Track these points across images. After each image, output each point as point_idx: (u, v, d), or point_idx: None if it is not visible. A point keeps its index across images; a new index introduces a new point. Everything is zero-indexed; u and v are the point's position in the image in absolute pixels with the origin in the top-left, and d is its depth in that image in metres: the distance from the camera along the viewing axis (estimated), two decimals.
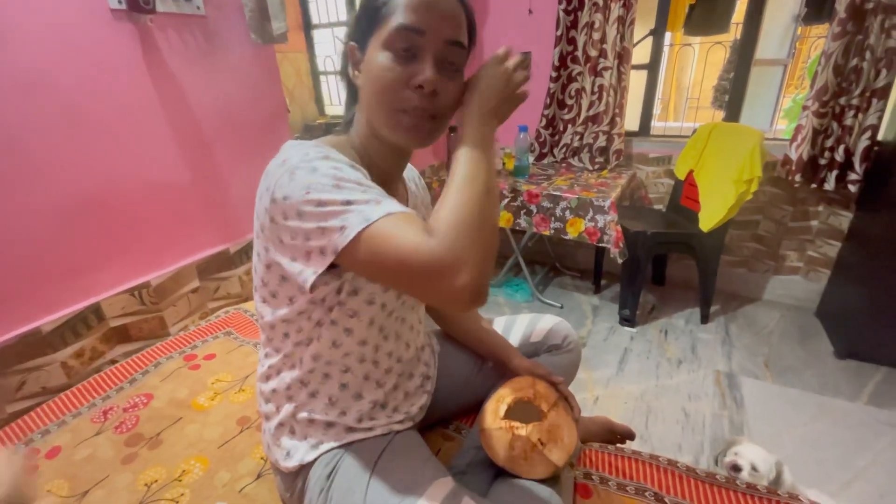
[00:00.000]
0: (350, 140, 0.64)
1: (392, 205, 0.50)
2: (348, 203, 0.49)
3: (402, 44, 0.54)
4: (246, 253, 1.37)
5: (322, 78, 3.95)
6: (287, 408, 0.70)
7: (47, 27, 0.89)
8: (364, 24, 0.57)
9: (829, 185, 1.80)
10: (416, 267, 0.47)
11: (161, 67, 1.08)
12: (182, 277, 1.20)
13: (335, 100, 3.98)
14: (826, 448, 1.39)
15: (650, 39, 2.14)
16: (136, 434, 0.89)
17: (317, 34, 3.85)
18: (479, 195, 0.51)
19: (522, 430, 0.69)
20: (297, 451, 0.69)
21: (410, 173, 0.80)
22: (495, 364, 0.88)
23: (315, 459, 0.68)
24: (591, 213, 1.80)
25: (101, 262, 1.04)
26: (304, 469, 0.69)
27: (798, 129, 1.80)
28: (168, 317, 1.19)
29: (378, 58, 0.55)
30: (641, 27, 2.07)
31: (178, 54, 1.11)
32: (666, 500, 0.75)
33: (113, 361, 1.09)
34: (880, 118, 1.67)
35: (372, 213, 0.49)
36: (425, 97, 0.55)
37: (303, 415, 0.69)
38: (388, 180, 0.67)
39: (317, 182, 0.50)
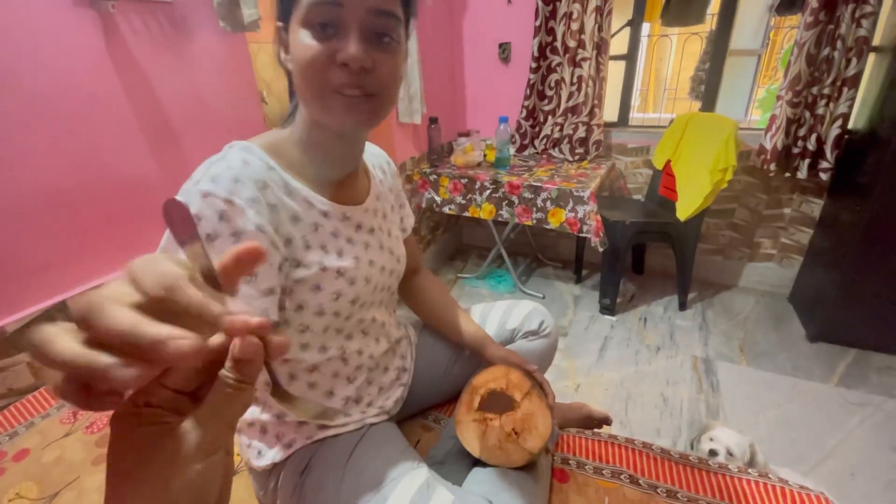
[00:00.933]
0: (293, 133, 0.60)
1: None
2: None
3: (319, 18, 0.49)
4: None
5: None
6: (255, 408, 0.69)
7: (3, 15, 0.85)
8: (284, 1, 0.53)
9: (802, 173, 1.84)
10: None
11: (125, 56, 1.04)
12: None
13: None
14: (799, 429, 1.44)
15: (628, 30, 2.15)
16: (106, 434, 0.87)
17: None
18: None
19: (496, 420, 0.69)
20: (268, 451, 0.68)
21: (376, 159, 0.78)
22: (471, 353, 0.87)
23: (287, 458, 0.68)
24: (571, 204, 1.81)
25: (67, 259, 1.01)
26: (277, 468, 0.68)
27: (772, 118, 1.83)
28: None
29: (299, 37, 0.51)
30: (619, 18, 2.08)
31: (143, 42, 1.07)
32: (641, 481, 0.76)
33: None
34: (851, 107, 1.71)
35: None
36: (355, 74, 0.50)
37: (272, 414, 0.68)
38: (342, 169, 0.64)
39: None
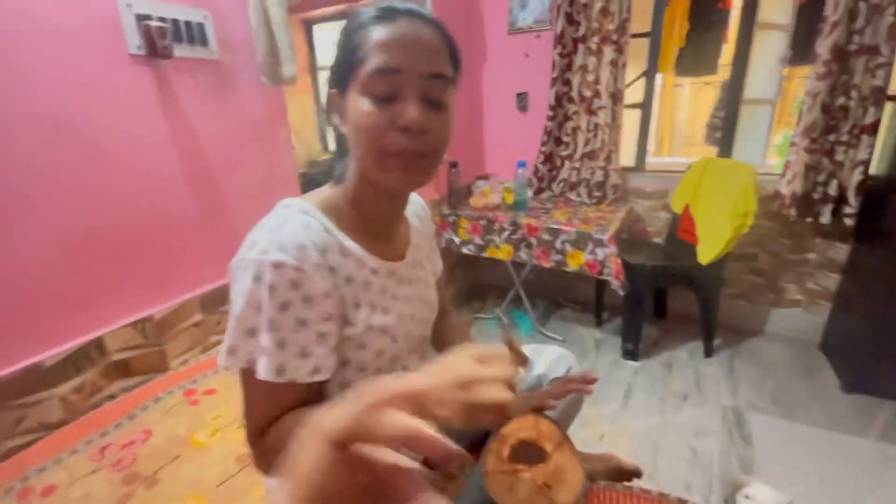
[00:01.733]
0: (345, 191, 0.62)
1: (277, 360, 0.51)
2: (252, 333, 0.52)
3: (380, 87, 0.51)
4: None
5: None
6: None
7: (69, 71, 0.94)
8: (342, 70, 0.55)
9: (825, 218, 1.83)
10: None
11: (174, 107, 1.12)
12: (185, 311, 1.21)
13: None
14: (838, 486, 1.36)
15: (643, 80, 2.23)
16: (132, 473, 0.87)
17: (322, 75, 4.01)
18: None
19: (527, 473, 0.67)
20: None
21: (412, 206, 0.79)
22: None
23: None
24: (590, 246, 1.82)
25: (105, 296, 1.05)
26: None
27: (787, 165, 1.84)
28: (169, 351, 1.19)
29: (359, 104, 0.52)
30: (634, 68, 2.16)
31: (192, 95, 1.16)
32: None
33: (112, 397, 1.08)
34: (871, 153, 1.72)
35: (259, 360, 0.52)
36: (413, 138, 0.52)
37: None
38: (386, 224, 0.66)
39: (248, 295, 0.51)
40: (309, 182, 1.28)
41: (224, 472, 0.88)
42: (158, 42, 1.05)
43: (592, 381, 0.80)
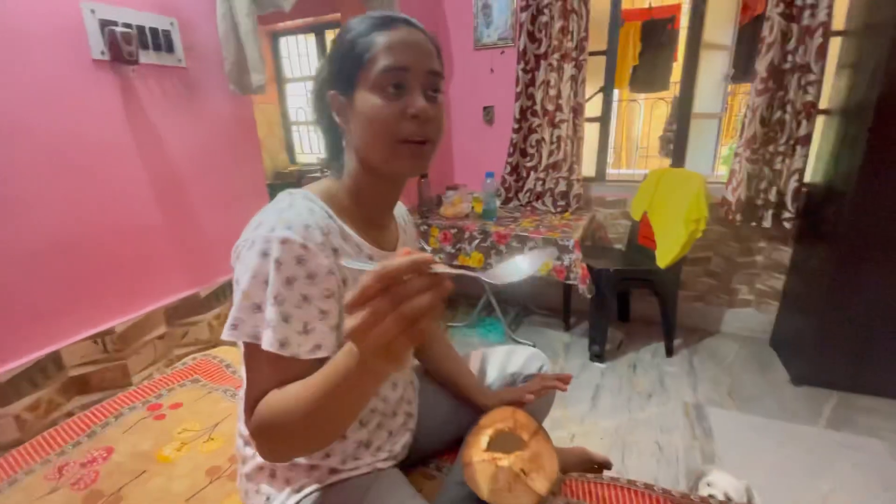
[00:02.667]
0: (344, 183, 0.66)
1: (281, 333, 0.53)
2: (257, 308, 0.54)
3: (391, 82, 0.57)
4: (216, 297, 1.35)
5: (294, 128, 4.07)
6: None
7: (30, 74, 0.91)
8: (347, 72, 0.60)
9: (767, 223, 1.98)
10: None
11: (140, 115, 1.10)
12: (149, 323, 1.17)
13: (306, 148, 4.08)
14: (792, 473, 1.44)
15: (601, 95, 2.35)
16: (94, 491, 0.83)
17: (289, 87, 3.99)
18: (323, 420, 0.49)
19: (505, 460, 0.69)
20: (277, 496, 0.67)
21: (398, 210, 0.83)
22: (466, 401, 0.89)
23: (297, 503, 0.66)
24: (557, 253, 1.89)
25: (64, 307, 1.00)
26: None
27: (732, 173, 1.99)
28: (132, 365, 1.14)
29: (370, 99, 0.58)
30: (592, 84, 2.28)
31: (158, 103, 1.14)
32: None
33: (70, 414, 1.02)
34: (805, 162, 1.88)
35: (264, 333, 0.54)
36: (421, 125, 0.59)
37: None
38: (383, 215, 0.70)
39: (255, 270, 0.53)
40: (274, 194, 1.27)
41: (193, 486, 0.84)
42: (123, 48, 1.03)
43: (567, 379, 0.84)
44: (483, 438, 0.72)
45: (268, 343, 0.53)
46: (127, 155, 1.09)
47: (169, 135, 1.17)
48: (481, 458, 0.70)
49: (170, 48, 1.16)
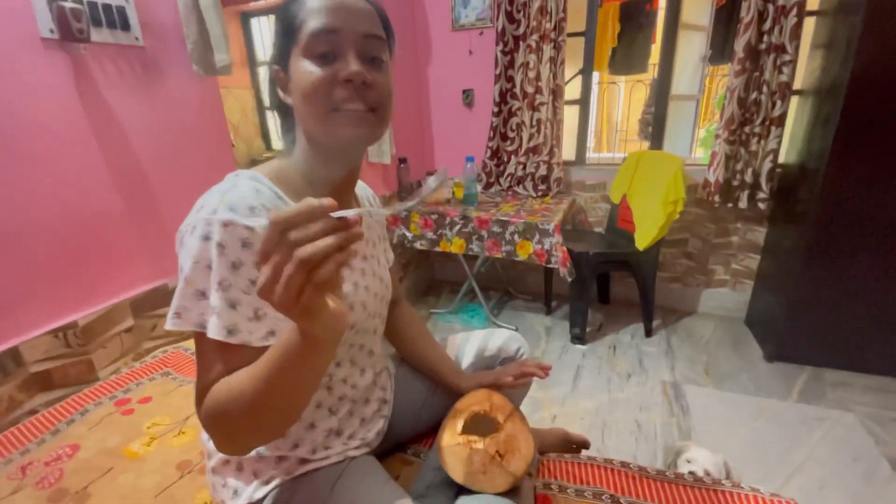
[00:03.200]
0: (295, 162, 0.62)
1: (228, 320, 0.51)
2: (201, 295, 0.52)
3: (320, 47, 0.54)
4: None
5: (269, 113, 3.95)
6: None
7: None
8: (282, 43, 0.57)
9: (743, 203, 2.00)
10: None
11: (95, 97, 1.04)
12: (114, 316, 1.12)
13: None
14: (766, 446, 1.49)
15: (580, 78, 2.33)
16: (59, 489, 0.80)
17: (262, 71, 3.86)
18: (271, 404, 0.47)
19: (480, 443, 0.69)
20: (245, 489, 0.65)
21: (363, 192, 0.80)
22: (444, 386, 0.88)
23: (265, 496, 0.65)
24: (537, 237, 1.88)
25: (20, 301, 0.95)
26: None
27: (713, 155, 2.00)
28: (97, 359, 1.09)
29: (301, 66, 0.55)
30: (571, 67, 2.26)
31: (114, 84, 1.08)
32: (622, 500, 0.77)
33: (33, 412, 0.98)
34: (779, 143, 1.90)
35: (209, 320, 0.51)
36: (358, 89, 0.55)
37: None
38: (342, 193, 0.66)
39: (197, 255, 0.51)
40: None
41: (163, 481, 0.82)
42: (73, 24, 0.96)
43: (547, 368, 0.83)
44: (458, 422, 0.71)
45: (214, 331, 0.51)
46: (81, 139, 1.03)
47: (127, 118, 1.11)
48: (456, 442, 0.70)
49: (125, 26, 1.09)
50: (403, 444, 0.92)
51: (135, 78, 1.12)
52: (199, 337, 0.53)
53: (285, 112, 0.63)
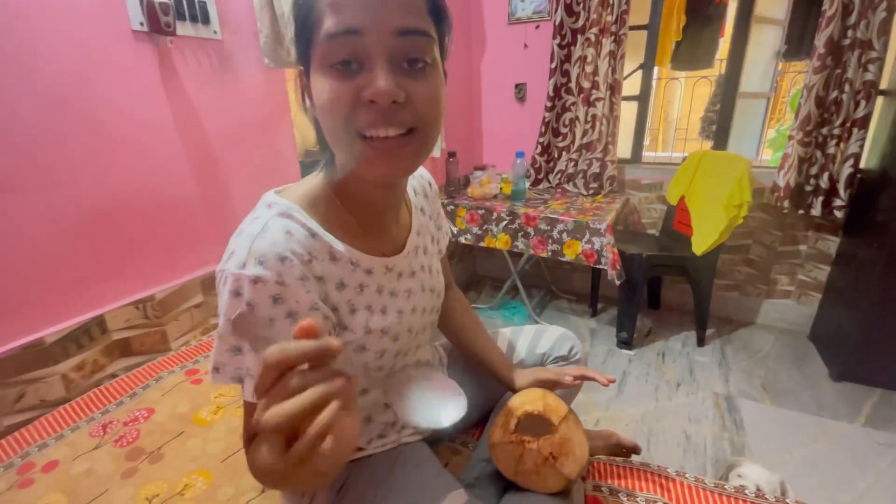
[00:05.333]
0: (331, 182, 0.55)
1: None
2: (237, 350, 0.48)
3: (338, 55, 0.42)
4: None
5: None
6: None
7: (72, 46, 0.93)
8: (301, 41, 0.46)
9: (816, 210, 1.87)
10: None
11: (177, 86, 1.11)
12: (186, 292, 1.20)
13: None
14: (827, 470, 1.39)
15: (639, 73, 2.24)
16: (136, 448, 0.87)
17: None
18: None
19: (533, 444, 0.68)
20: None
21: (419, 181, 0.73)
22: (495, 377, 0.85)
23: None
24: (587, 236, 1.84)
25: (107, 274, 1.04)
26: None
27: (785, 157, 1.87)
28: (170, 331, 1.18)
29: (319, 81, 0.44)
30: (631, 61, 2.18)
31: (194, 75, 1.15)
32: None
33: (113, 375, 1.07)
34: (861, 147, 1.75)
35: (245, 381, 0.48)
36: (387, 112, 0.43)
37: None
38: (384, 217, 0.60)
39: (230, 311, 0.47)
40: (306, 171, 1.27)
41: (228, 448, 0.88)
42: (161, 18, 1.03)
43: (612, 380, 0.80)
44: (511, 420, 0.72)
45: (248, 393, 0.49)
46: (165, 127, 1.10)
47: (204, 107, 1.17)
48: (509, 440, 0.70)
49: (206, 20, 1.16)
50: (452, 434, 0.93)
51: (211, 69, 1.18)
52: (239, 389, 0.50)
53: (318, 121, 0.51)
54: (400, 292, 0.63)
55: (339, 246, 0.54)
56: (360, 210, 0.56)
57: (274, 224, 0.49)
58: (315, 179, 0.56)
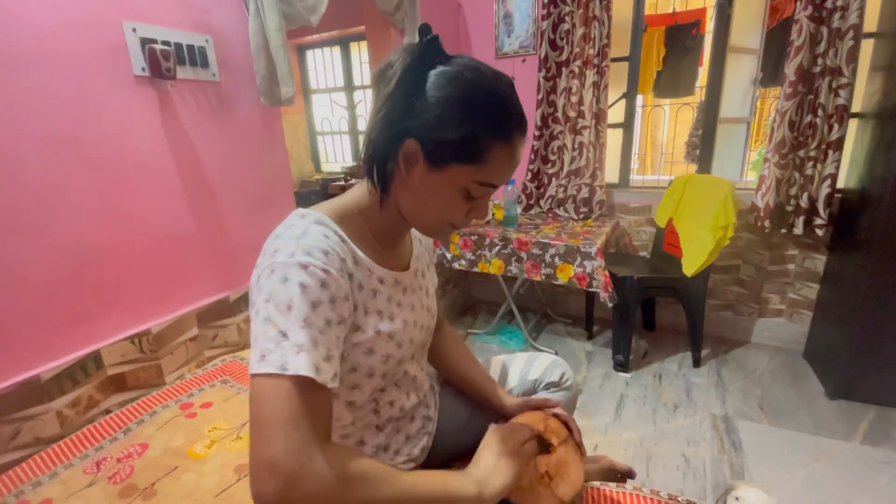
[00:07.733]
0: (359, 204, 0.65)
1: (314, 357, 0.49)
2: (283, 336, 0.49)
3: (479, 192, 0.60)
4: (245, 301, 1.40)
5: (319, 137, 4.17)
6: None
7: (77, 90, 0.98)
8: (441, 147, 0.56)
9: (798, 229, 1.92)
10: (258, 453, 0.47)
11: (176, 126, 1.16)
12: (182, 325, 1.22)
13: (331, 157, 4.18)
14: (827, 489, 1.38)
15: (624, 101, 2.33)
16: (130, 485, 0.87)
17: (315, 98, 4.10)
18: None
19: (531, 460, 0.69)
20: None
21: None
22: (488, 407, 0.88)
23: None
24: (579, 260, 1.87)
25: (104, 309, 1.06)
26: None
27: (761, 178, 1.94)
28: (165, 365, 1.19)
29: (447, 193, 0.60)
30: (615, 91, 2.27)
31: (193, 115, 1.20)
32: None
33: (107, 411, 1.07)
34: (838, 167, 1.81)
35: (294, 359, 0.48)
36: (468, 220, 0.64)
37: None
38: (394, 240, 0.70)
39: (277, 297, 0.50)
40: (301, 201, 1.31)
41: (222, 482, 0.87)
42: (162, 64, 1.09)
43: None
44: None
45: (305, 367, 0.48)
46: (164, 166, 1.14)
47: (203, 145, 1.22)
48: None
49: (205, 63, 1.21)
50: (446, 463, 0.93)
51: (210, 109, 1.24)
52: (272, 384, 0.47)
53: (384, 171, 0.61)
54: (405, 304, 0.70)
55: (360, 254, 0.63)
56: (381, 232, 0.67)
57: (312, 228, 0.57)
58: (341, 201, 0.66)
